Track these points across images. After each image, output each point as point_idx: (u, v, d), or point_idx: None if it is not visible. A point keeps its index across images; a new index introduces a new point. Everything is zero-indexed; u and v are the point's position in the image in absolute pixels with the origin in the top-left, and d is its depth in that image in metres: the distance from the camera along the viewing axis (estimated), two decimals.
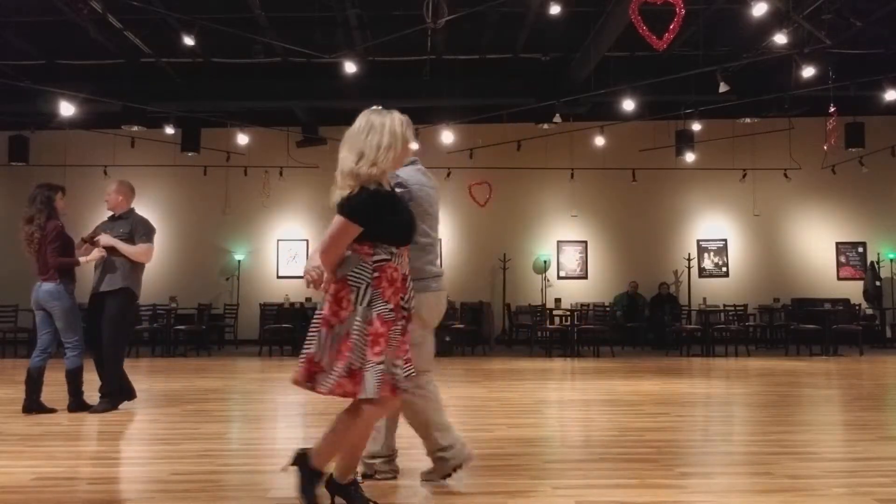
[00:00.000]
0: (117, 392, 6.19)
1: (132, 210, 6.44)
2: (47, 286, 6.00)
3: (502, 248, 15.65)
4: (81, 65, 13.03)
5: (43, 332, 6.15)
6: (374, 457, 3.71)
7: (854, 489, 3.59)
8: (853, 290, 15.35)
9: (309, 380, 3.01)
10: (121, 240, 6.19)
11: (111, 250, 6.17)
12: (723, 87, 11.26)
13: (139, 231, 6.25)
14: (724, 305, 14.43)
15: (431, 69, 13.18)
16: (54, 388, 6.24)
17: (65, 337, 6.04)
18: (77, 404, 6.06)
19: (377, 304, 2.99)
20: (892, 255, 15.66)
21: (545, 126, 13.95)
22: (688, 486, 3.67)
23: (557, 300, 14.78)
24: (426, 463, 3.69)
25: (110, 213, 6.45)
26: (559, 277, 15.85)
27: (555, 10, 9.57)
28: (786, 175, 15.04)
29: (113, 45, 11.97)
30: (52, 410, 5.99)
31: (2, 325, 12.76)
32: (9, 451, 4.58)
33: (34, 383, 5.99)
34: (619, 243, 15.86)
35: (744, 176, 15.21)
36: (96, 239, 6.11)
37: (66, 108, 11.84)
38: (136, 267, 6.27)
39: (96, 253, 6.12)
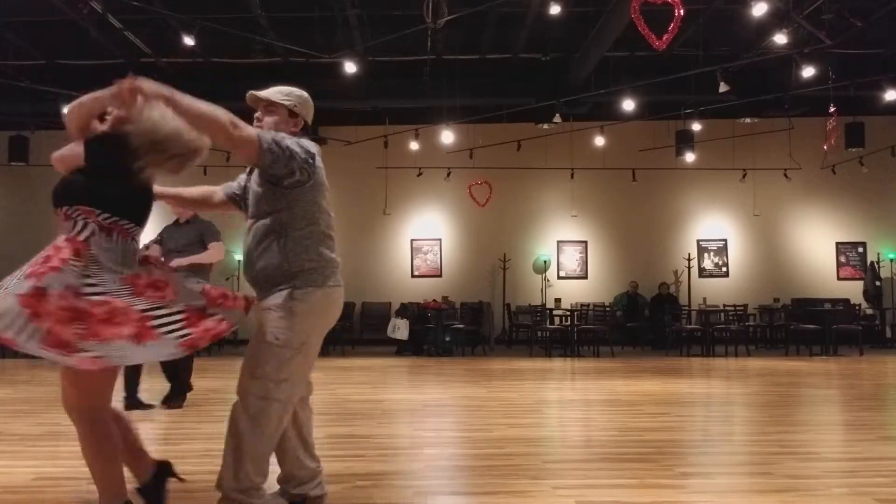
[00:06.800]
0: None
1: (196, 215, 6.48)
2: None
3: (502, 248, 15.64)
4: (81, 65, 13.02)
5: None
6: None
7: (854, 489, 3.59)
8: (853, 290, 15.35)
9: None
10: (190, 245, 6.30)
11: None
12: (723, 87, 11.25)
13: (209, 234, 6.39)
14: (724, 305, 14.42)
15: (431, 69, 13.18)
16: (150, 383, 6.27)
17: None
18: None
19: None
20: (892, 255, 15.66)
21: (545, 126, 13.95)
22: (688, 486, 3.67)
23: (557, 300, 14.78)
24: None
25: (175, 218, 6.52)
26: (559, 277, 15.84)
27: (555, 10, 9.57)
28: (786, 175, 15.03)
29: (113, 45, 11.96)
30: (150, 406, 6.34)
31: None
32: (9, 451, 4.59)
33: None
34: (619, 243, 15.85)
35: (744, 176, 15.21)
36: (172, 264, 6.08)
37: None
38: (204, 268, 6.37)
39: None
